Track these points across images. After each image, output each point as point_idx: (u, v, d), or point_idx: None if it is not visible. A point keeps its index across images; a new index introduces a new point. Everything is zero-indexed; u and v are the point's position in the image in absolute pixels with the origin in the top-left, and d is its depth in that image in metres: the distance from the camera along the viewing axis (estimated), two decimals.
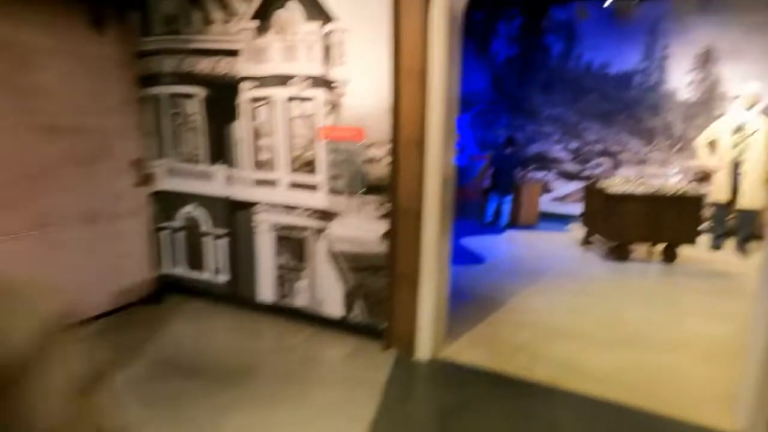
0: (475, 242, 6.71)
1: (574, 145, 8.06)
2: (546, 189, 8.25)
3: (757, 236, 6.78)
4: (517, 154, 7.45)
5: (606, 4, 7.06)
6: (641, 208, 5.85)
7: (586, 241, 6.53)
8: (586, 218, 6.51)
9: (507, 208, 7.41)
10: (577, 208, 7.41)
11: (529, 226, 7.55)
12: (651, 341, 3.95)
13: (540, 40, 7.94)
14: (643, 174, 7.74)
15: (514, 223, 7.55)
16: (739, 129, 6.35)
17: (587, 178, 7.94)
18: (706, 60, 7.21)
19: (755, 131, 6.27)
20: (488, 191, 7.43)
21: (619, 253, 6.04)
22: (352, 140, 3.59)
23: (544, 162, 8.23)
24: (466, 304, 4.57)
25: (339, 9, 3.48)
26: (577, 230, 7.03)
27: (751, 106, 6.33)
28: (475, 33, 8.24)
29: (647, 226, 5.89)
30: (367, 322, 3.78)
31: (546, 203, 8.24)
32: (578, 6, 7.66)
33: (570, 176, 8.14)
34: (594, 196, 6.25)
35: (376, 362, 3.54)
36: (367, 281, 3.74)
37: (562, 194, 8.18)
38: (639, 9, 7.31)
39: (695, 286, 5.29)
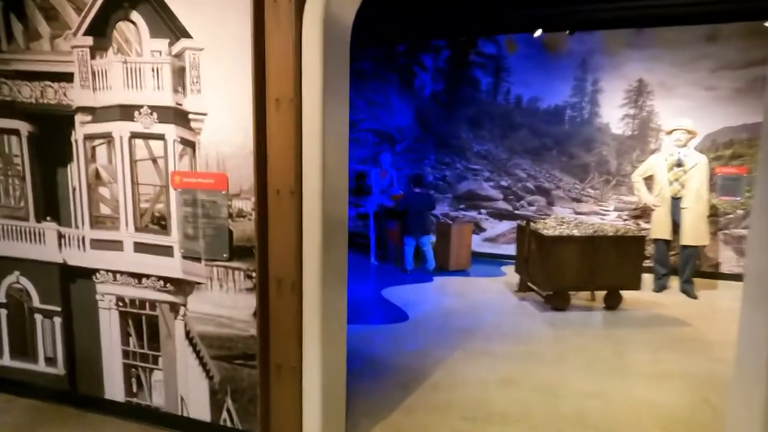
0: (399, 293, 5.85)
1: (505, 182, 7.47)
2: (478, 228, 7.58)
3: (700, 273, 6.30)
4: (428, 194, 6.73)
5: (536, 35, 6.60)
6: (579, 252, 5.20)
7: (522, 288, 5.82)
8: (520, 263, 5.81)
9: (429, 251, 6.64)
10: (510, 248, 6.74)
11: (460, 271, 6.79)
12: (598, 421, 3.17)
13: (467, 74, 7.40)
14: (578, 211, 7.21)
15: (444, 268, 6.78)
16: (678, 164, 5.89)
17: (520, 217, 7.32)
18: (638, 94, 6.84)
19: (694, 166, 5.83)
20: (402, 235, 6.66)
21: (557, 301, 5.35)
22: (212, 189, 2.69)
23: (474, 200, 7.58)
24: (378, 382, 3.66)
25: (191, 22, 2.61)
26: (512, 274, 6.32)
27: (686, 142, 5.92)
28: (398, 66, 7.62)
29: (586, 271, 5.24)
30: (240, 429, 2.80)
31: (478, 244, 7.55)
32: (506, 39, 7.19)
33: (502, 215, 7.51)
34: (527, 238, 5.58)
35: None
36: (238, 374, 2.77)
37: (494, 234, 7.52)
38: (569, 42, 6.91)
39: (643, 339, 4.63)
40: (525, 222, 5.69)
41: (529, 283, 5.63)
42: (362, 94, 7.75)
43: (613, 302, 5.45)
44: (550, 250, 5.16)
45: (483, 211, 7.54)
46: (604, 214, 7.11)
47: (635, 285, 5.35)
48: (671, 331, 4.87)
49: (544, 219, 5.79)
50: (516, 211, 7.43)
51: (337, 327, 2.79)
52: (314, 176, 2.47)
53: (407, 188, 6.74)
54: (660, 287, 6.13)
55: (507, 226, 7.41)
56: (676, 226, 5.97)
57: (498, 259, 7.40)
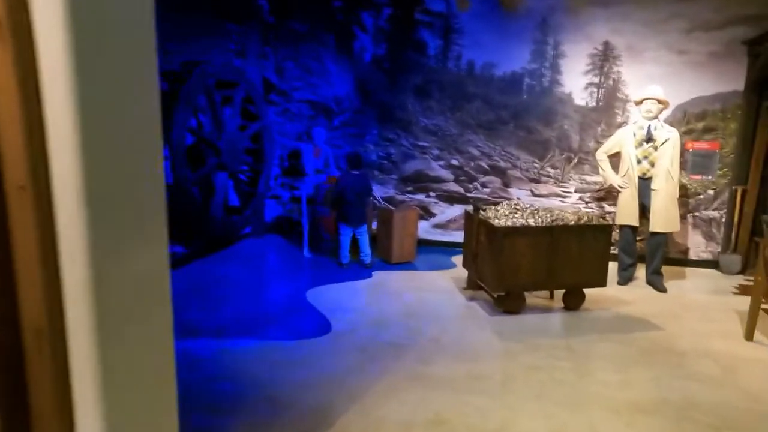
0: (327, 294, 4.82)
1: (456, 161, 6.45)
2: (427, 213, 6.57)
3: (666, 260, 5.48)
4: (366, 177, 5.66)
5: None
6: (535, 246, 4.26)
7: (471, 285, 4.87)
8: (467, 258, 4.85)
9: (365, 242, 5.61)
10: (462, 236, 5.79)
11: (404, 264, 5.80)
12: None
13: (413, 35, 6.27)
14: (537, 193, 6.28)
15: (386, 261, 5.78)
16: (648, 139, 4.97)
17: (473, 200, 6.35)
18: (603, 59, 5.86)
19: (665, 141, 4.92)
20: (337, 223, 5.59)
21: (510, 304, 4.42)
22: None
23: (423, 182, 6.54)
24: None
25: None
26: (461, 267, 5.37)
27: (657, 113, 4.99)
28: (334, 25, 6.43)
29: (543, 268, 4.31)
30: None
31: (427, 231, 6.56)
32: None
33: (453, 199, 6.51)
34: (475, 229, 4.60)
35: None
36: None
37: (444, 220, 6.54)
38: None
39: (607, 351, 3.74)
40: (473, 209, 4.70)
41: (478, 281, 4.68)
42: (295, 59, 6.55)
43: (574, 302, 4.55)
44: (501, 245, 4.19)
45: (432, 194, 6.52)
46: (565, 196, 6.20)
47: (600, 282, 4.46)
48: (640, 337, 4.00)
49: (495, 206, 4.80)
50: (468, 194, 6.45)
51: (153, 384, 1.73)
52: (70, 165, 1.37)
53: (343, 170, 5.63)
54: (625, 279, 5.28)
55: (458, 210, 6.42)
56: (644, 210, 5.10)
57: (448, 248, 6.44)
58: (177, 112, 4.75)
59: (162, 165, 1.75)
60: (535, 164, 6.27)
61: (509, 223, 4.30)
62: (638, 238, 5.32)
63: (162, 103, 4.95)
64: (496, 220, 4.37)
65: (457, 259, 5.77)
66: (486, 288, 4.58)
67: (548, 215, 4.52)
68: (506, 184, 6.34)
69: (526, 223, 4.32)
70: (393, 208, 5.81)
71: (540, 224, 4.33)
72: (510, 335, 4.00)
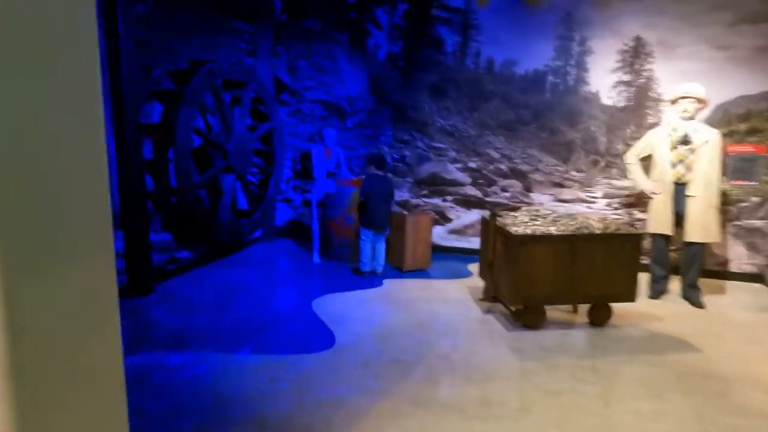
0: (334, 304, 4.52)
1: (474, 163, 6.08)
2: (443, 218, 6.21)
3: (704, 273, 4.99)
4: (390, 179, 5.34)
5: None
6: (557, 256, 3.86)
7: (487, 297, 4.50)
8: (483, 267, 4.47)
9: (382, 250, 5.29)
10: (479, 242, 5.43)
11: (418, 272, 5.45)
12: None
13: (429, 32, 5.94)
14: (560, 198, 5.85)
15: (398, 268, 5.44)
16: (684, 141, 4.53)
17: (491, 205, 5.97)
18: (634, 56, 5.42)
19: (704, 143, 4.46)
20: (359, 228, 5.26)
21: (529, 319, 4.03)
22: None
23: (438, 185, 6.19)
24: None
25: None
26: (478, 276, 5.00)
27: (694, 113, 4.54)
28: (347, 23, 6.15)
29: (566, 280, 3.91)
30: None
31: (442, 236, 6.20)
32: None
33: (470, 203, 6.14)
34: (491, 237, 4.23)
35: None
36: None
37: (461, 225, 6.16)
38: None
39: (638, 374, 3.33)
40: (490, 215, 4.33)
41: (493, 293, 4.30)
42: (307, 57, 6.29)
43: (599, 318, 4.13)
44: (519, 254, 3.81)
45: (448, 198, 6.17)
46: (591, 202, 5.75)
47: (629, 296, 4.04)
48: (675, 360, 3.56)
49: (513, 212, 4.42)
50: (487, 198, 6.07)
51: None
52: None
53: (367, 172, 5.29)
54: (657, 293, 4.82)
55: (476, 215, 6.05)
56: (679, 219, 4.64)
57: (465, 255, 6.06)
58: (181, 112, 4.53)
59: (105, 170, 1.47)
60: (559, 167, 5.85)
61: (528, 231, 3.92)
62: (672, 247, 4.87)
63: (168, 103, 4.67)
64: (514, 228, 3.99)
65: (474, 268, 5.41)
66: (503, 301, 4.21)
67: (571, 222, 4.12)
68: (527, 189, 5.94)
69: (546, 231, 3.93)
70: (406, 212, 5.48)
71: (562, 232, 3.93)
72: (528, 353, 3.62)
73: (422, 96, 6.05)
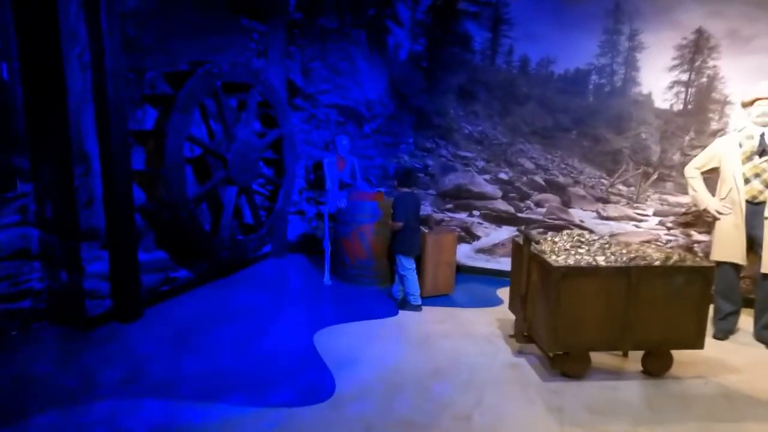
0: (340, 337, 3.85)
1: (505, 174, 5.31)
2: (470, 235, 5.46)
3: None
4: (418, 196, 4.62)
5: None
6: (607, 293, 3.10)
7: (519, 335, 3.75)
8: (515, 299, 3.73)
9: (412, 278, 4.44)
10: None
11: (439, 297, 4.73)
12: None
13: (455, 28, 5.22)
14: (605, 215, 5.03)
15: (421, 290, 4.73)
16: (762, 152, 3.68)
17: (524, 223, 5.20)
18: (695, 51, 4.56)
19: None
20: (395, 256, 4.46)
21: (570, 366, 3.27)
22: None
23: (465, 199, 5.45)
24: None
25: None
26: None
27: None
28: (365, 20, 5.49)
29: (617, 323, 3.14)
30: None
31: (468, 256, 5.45)
32: None
33: (501, 219, 5.37)
34: (525, 264, 3.48)
35: None
36: None
37: (489, 244, 5.40)
38: None
39: None
40: (523, 238, 3.58)
41: (526, 332, 3.55)
42: (322, 58, 5.66)
43: (657, 367, 3.33)
44: (560, 290, 3.06)
45: (476, 213, 5.41)
46: (641, 220, 4.91)
47: (696, 342, 3.23)
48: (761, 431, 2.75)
49: (552, 236, 3.64)
50: (519, 214, 5.29)
51: None
52: None
53: (397, 191, 4.42)
54: (724, 331, 3.97)
55: (507, 233, 5.28)
56: (752, 244, 3.78)
57: (494, 277, 5.31)
58: (172, 118, 3.97)
59: None
60: (603, 180, 5.03)
61: (570, 261, 3.16)
62: (742, 274, 4.00)
63: (163, 108, 3.84)
64: (553, 256, 3.24)
65: (504, 293, 4.66)
66: (538, 343, 3.46)
67: (624, 251, 3.33)
68: (566, 204, 5.14)
69: (593, 262, 3.16)
70: (426, 229, 4.76)
71: (613, 263, 3.16)
72: (569, 414, 2.87)
73: (447, 99, 5.32)
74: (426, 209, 5.54)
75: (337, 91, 5.67)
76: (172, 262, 4.57)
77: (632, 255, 3.25)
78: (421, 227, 4.60)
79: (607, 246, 3.41)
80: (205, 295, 4.67)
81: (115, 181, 3.90)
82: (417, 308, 4.43)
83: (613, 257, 3.23)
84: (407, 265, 4.38)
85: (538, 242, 3.51)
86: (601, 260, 3.19)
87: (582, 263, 3.15)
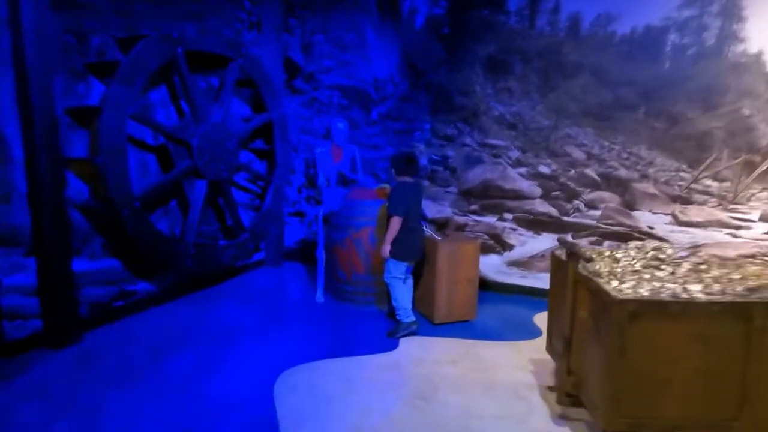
0: (310, 384, 2.77)
1: (546, 167, 4.06)
2: (500, 244, 4.24)
3: None
4: (421, 188, 3.49)
5: None
6: (704, 343, 1.86)
7: (560, 392, 2.52)
8: (555, 339, 2.51)
9: (400, 288, 3.37)
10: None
11: (456, 325, 3.55)
12: None
13: None
14: (684, 221, 3.68)
15: (428, 318, 3.58)
16: None
17: (571, 229, 3.94)
18: None
19: None
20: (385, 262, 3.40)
21: None
22: None
23: (494, 198, 4.24)
24: None
25: None
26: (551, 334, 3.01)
27: None
28: None
29: (725, 391, 1.89)
30: None
31: (499, 270, 4.22)
32: None
33: (541, 224, 4.11)
34: (570, 291, 2.27)
35: None
36: None
37: (525, 256, 4.15)
38: None
39: None
40: (566, 250, 2.37)
41: (571, 391, 2.34)
42: (326, 31, 4.64)
43: None
44: (626, 335, 1.86)
45: (508, 216, 4.19)
46: (740, 227, 3.53)
47: None
48: None
49: (612, 252, 2.41)
50: (565, 218, 4.03)
51: None
52: None
53: (395, 180, 3.36)
54: None
55: (548, 242, 4.03)
56: None
57: (531, 297, 4.06)
58: (111, 91, 3.06)
59: None
60: (683, 174, 3.68)
61: (644, 291, 1.94)
62: None
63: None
64: (615, 282, 2.03)
65: (543, 320, 3.42)
66: (589, 410, 2.24)
67: (735, 276, 2.07)
68: (629, 205, 3.82)
69: (683, 293, 1.93)
70: (438, 237, 3.60)
71: (717, 296, 1.91)
72: None
73: (474, 74, 4.15)
74: (444, 210, 4.37)
75: (342, 68, 4.63)
76: (128, 272, 3.67)
77: (751, 283, 1.98)
78: (423, 227, 3.46)
79: (703, 267, 2.15)
80: (168, 314, 3.72)
81: (41, 170, 3.03)
82: (411, 327, 3.32)
83: (717, 285, 1.97)
84: (395, 271, 3.30)
85: (590, 259, 2.29)
86: (696, 290, 1.94)
87: (664, 294, 1.92)
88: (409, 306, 3.37)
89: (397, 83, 4.42)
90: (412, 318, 3.37)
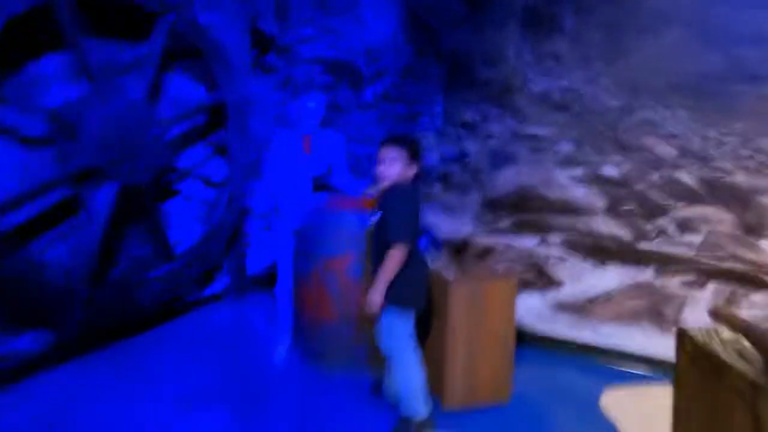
0: None
1: (613, 169, 2.75)
2: (541, 279, 2.93)
3: None
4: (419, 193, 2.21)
5: None
6: None
7: None
8: None
9: (411, 360, 2.06)
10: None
11: (478, 414, 2.27)
12: None
13: None
14: None
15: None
16: None
17: (649, 259, 2.62)
18: None
19: None
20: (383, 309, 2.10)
21: None
22: None
23: (533, 212, 2.94)
24: None
25: None
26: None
27: None
28: None
29: None
30: None
31: (540, 315, 2.91)
32: None
33: (605, 252, 2.79)
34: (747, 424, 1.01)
35: None
36: None
37: (582, 296, 2.84)
38: None
39: None
40: (727, 321, 1.11)
41: None
42: None
43: None
44: None
45: (555, 238, 2.89)
46: None
47: None
48: None
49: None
50: (639, 243, 2.70)
51: None
52: None
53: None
54: None
55: (618, 278, 2.71)
56: None
57: (591, 356, 2.76)
58: None
59: None
60: None
61: None
62: None
63: None
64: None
65: (619, 400, 2.12)
66: None
67: None
68: (749, 228, 2.49)
69: None
70: (449, 277, 2.29)
71: None
72: None
73: (505, 34, 2.87)
74: (461, 227, 3.08)
75: (326, 37, 3.40)
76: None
77: None
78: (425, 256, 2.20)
79: None
80: (45, 388, 2.49)
81: None
82: (426, 427, 2.04)
83: None
84: (401, 329, 2.03)
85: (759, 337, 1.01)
86: None
87: None
88: (425, 390, 2.09)
89: (400, 50, 3.15)
90: (428, 409, 2.08)
